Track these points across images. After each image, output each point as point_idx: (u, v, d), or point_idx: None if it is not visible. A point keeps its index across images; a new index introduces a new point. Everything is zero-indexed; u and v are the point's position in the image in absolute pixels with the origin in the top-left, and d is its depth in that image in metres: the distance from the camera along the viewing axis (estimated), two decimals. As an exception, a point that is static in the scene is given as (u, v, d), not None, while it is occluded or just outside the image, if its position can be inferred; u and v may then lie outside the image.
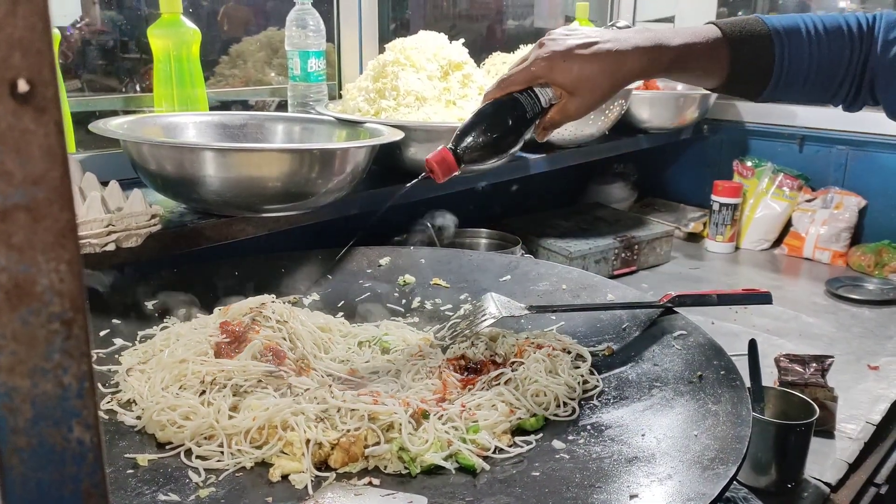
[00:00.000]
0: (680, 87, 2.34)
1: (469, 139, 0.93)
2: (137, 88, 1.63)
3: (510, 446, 0.82)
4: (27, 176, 0.26)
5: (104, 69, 1.62)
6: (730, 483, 0.67)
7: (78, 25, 1.55)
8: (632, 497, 0.68)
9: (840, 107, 1.04)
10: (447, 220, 1.54)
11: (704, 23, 0.97)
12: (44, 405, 0.28)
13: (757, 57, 0.95)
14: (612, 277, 1.81)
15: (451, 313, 1.17)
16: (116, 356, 0.99)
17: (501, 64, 1.84)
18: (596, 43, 0.91)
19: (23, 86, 0.25)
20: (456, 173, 0.94)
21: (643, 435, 0.79)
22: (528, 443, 0.83)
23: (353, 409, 0.82)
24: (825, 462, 1.13)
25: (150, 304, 1.11)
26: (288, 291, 1.20)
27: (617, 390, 0.92)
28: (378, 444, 0.79)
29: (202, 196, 1.12)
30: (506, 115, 0.93)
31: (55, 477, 0.29)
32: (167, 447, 0.80)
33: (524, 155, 1.70)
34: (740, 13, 3.07)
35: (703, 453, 0.72)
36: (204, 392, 0.86)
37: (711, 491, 0.65)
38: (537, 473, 0.75)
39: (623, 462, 0.75)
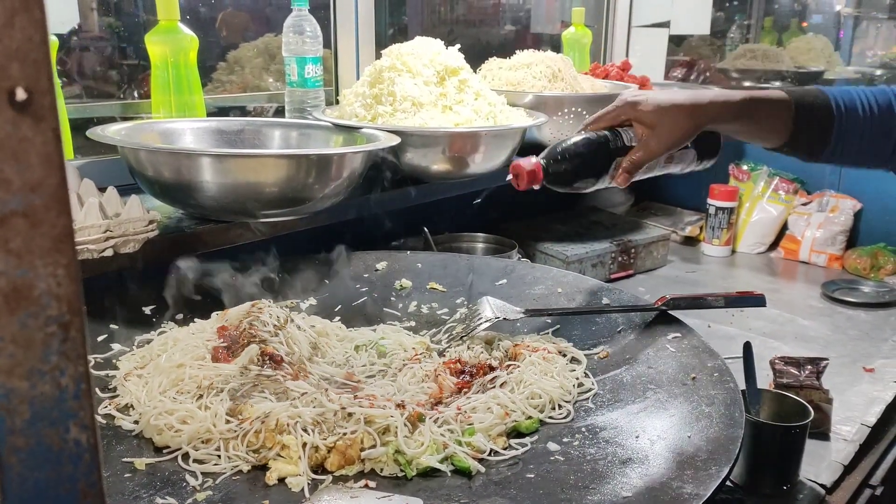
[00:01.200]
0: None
1: (559, 159, 1.02)
2: (135, 95, 1.64)
3: (505, 448, 0.83)
4: (25, 183, 0.27)
5: (102, 75, 1.63)
6: (722, 484, 0.68)
7: (76, 32, 1.56)
8: (625, 498, 0.68)
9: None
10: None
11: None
12: (41, 406, 0.29)
13: (817, 120, 1.04)
14: (609, 281, 1.82)
15: (447, 317, 1.18)
16: (114, 361, 1.00)
17: (498, 69, 1.85)
18: (674, 94, 1.03)
19: (21, 94, 0.26)
20: (536, 187, 1.02)
21: (637, 437, 0.80)
22: (524, 445, 0.83)
23: (350, 413, 0.82)
24: (821, 464, 1.14)
25: (147, 310, 1.11)
26: (285, 296, 1.21)
27: (611, 392, 0.93)
28: (374, 447, 0.80)
29: (199, 202, 1.13)
30: (594, 146, 1.03)
31: (52, 476, 0.30)
32: (164, 451, 0.81)
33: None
34: (736, 18, 3.10)
35: (696, 455, 0.73)
36: (201, 396, 0.87)
37: (704, 492, 0.66)
38: (532, 475, 0.76)
39: (617, 464, 0.75)
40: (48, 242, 0.27)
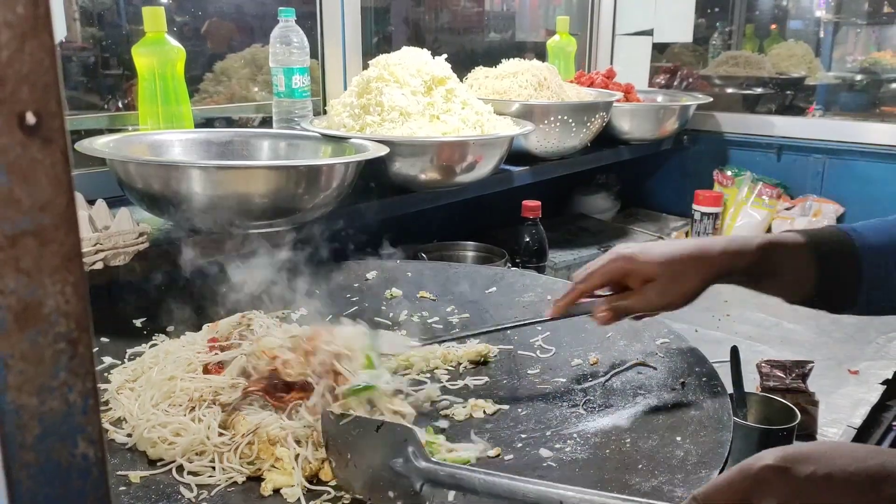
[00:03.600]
0: (660, 98, 2.37)
1: None
2: (120, 105, 1.64)
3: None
4: (35, 203, 0.27)
5: (87, 86, 1.63)
6: (713, 487, 0.69)
7: (61, 44, 1.55)
8: (617, 503, 0.69)
9: None
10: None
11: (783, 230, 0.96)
12: (51, 422, 0.29)
13: (842, 265, 0.89)
14: (597, 287, 1.83)
15: (438, 325, 1.19)
16: (106, 374, 0.99)
17: (484, 78, 1.87)
18: (677, 244, 0.91)
19: (30, 118, 0.26)
20: None
21: (628, 442, 0.81)
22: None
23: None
24: (808, 466, 1.15)
25: (138, 322, 1.11)
26: (275, 306, 1.21)
27: (602, 398, 0.94)
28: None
29: (189, 214, 1.13)
30: None
31: (61, 492, 0.30)
32: (158, 464, 0.81)
33: (508, 168, 1.73)
34: (718, 25, 3.13)
35: (685, 458, 0.74)
36: (194, 408, 0.87)
37: (695, 495, 0.67)
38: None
39: (609, 469, 0.76)
40: (57, 261, 0.28)
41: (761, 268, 0.89)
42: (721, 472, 0.71)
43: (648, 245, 0.91)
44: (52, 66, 0.27)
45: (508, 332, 1.12)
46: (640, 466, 0.76)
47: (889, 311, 0.95)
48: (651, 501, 0.60)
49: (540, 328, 1.13)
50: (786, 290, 0.93)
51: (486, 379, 1.01)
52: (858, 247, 0.89)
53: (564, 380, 0.99)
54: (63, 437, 0.30)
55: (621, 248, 0.92)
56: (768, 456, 0.53)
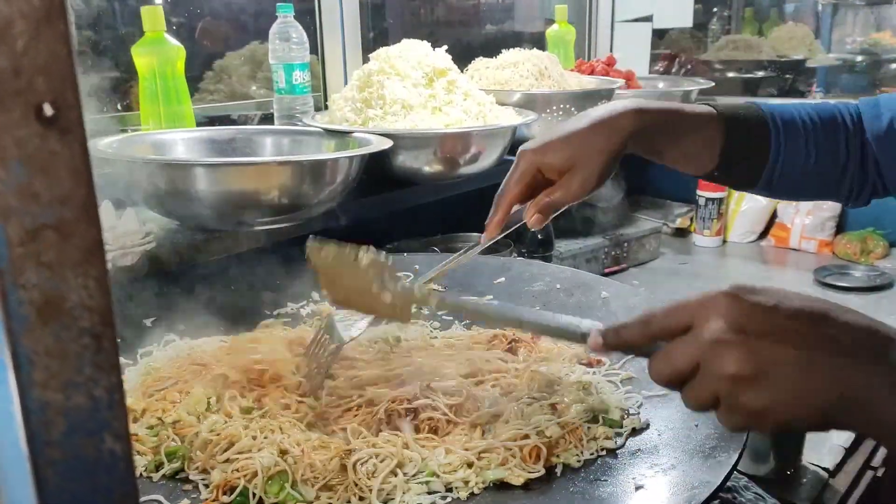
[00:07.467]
0: (661, 84, 2.37)
1: None
2: (118, 107, 1.63)
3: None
4: (55, 196, 0.27)
5: (86, 89, 1.62)
6: (732, 470, 0.69)
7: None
8: (637, 488, 0.69)
9: (847, 204, 0.99)
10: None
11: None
12: (77, 418, 0.29)
13: (751, 136, 0.90)
14: (604, 275, 1.82)
15: (448, 318, 1.18)
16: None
17: (485, 69, 1.86)
18: (584, 117, 0.87)
19: (48, 109, 0.26)
20: None
21: (646, 428, 0.81)
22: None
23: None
24: (822, 448, 1.15)
25: (148, 322, 1.11)
26: (285, 302, 1.21)
27: (618, 384, 0.93)
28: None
29: (195, 212, 1.12)
30: None
31: (89, 488, 0.30)
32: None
33: (512, 158, 1.71)
34: (715, 10, 3.12)
35: (704, 443, 0.74)
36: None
37: (714, 479, 0.67)
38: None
39: (627, 455, 0.76)
40: (79, 254, 0.28)
41: (665, 128, 0.88)
42: (741, 455, 0.71)
43: (551, 131, 0.86)
44: (68, 56, 0.26)
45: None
46: (659, 452, 0.75)
47: (789, 189, 0.97)
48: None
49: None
50: (689, 159, 0.92)
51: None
52: (766, 111, 0.91)
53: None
54: (90, 432, 0.29)
55: (526, 145, 0.87)
56: (723, 288, 0.54)
